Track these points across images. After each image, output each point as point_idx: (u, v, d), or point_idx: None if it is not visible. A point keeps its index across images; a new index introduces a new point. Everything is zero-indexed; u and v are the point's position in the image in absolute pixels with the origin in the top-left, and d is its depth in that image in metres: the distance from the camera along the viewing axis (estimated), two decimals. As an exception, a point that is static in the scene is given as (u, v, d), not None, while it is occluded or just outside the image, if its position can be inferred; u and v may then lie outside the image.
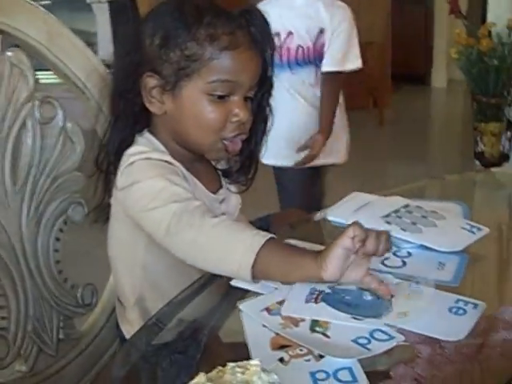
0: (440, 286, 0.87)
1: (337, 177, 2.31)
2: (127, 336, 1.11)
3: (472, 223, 1.04)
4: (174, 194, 0.97)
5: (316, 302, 0.85)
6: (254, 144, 1.12)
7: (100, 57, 1.20)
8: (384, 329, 0.78)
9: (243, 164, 1.15)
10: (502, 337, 0.75)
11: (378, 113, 5.33)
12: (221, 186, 1.14)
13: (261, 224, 1.10)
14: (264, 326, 0.81)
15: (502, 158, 3.69)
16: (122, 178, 1.03)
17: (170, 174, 1.01)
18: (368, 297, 0.85)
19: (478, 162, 3.80)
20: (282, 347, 0.76)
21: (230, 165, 1.16)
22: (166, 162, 1.03)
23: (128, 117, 1.07)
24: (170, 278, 1.06)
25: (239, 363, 0.55)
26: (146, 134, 1.07)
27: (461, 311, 0.81)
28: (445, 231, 1.02)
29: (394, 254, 0.98)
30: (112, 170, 1.07)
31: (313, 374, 0.70)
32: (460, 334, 0.75)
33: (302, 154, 2.08)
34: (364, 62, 2.12)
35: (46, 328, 1.12)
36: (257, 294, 0.89)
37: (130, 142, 1.06)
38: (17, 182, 1.07)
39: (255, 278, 0.89)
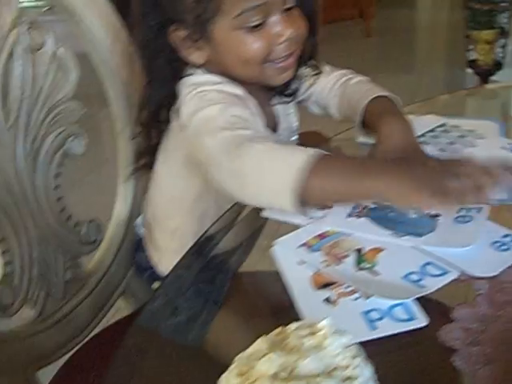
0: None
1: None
2: (155, 260, 1.15)
3: None
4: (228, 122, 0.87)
5: (359, 216, 0.80)
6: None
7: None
8: (436, 262, 0.71)
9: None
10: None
11: (364, 24, 5.18)
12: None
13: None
14: (302, 262, 0.74)
15: (496, 67, 3.60)
16: (185, 108, 0.94)
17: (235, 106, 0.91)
18: (413, 215, 0.80)
19: (470, 70, 3.72)
20: (326, 285, 0.69)
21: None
22: (237, 95, 0.94)
23: (166, 74, 0.99)
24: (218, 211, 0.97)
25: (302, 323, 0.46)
26: (200, 71, 0.99)
27: (504, 247, 0.73)
28: (485, 152, 0.91)
29: None
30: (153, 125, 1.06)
31: (366, 314, 0.63)
32: (493, 271, 0.69)
33: None
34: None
35: (51, 270, 1.05)
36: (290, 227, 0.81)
37: (172, 96, 0.99)
38: (8, 118, 0.97)
39: (302, 200, 0.74)
